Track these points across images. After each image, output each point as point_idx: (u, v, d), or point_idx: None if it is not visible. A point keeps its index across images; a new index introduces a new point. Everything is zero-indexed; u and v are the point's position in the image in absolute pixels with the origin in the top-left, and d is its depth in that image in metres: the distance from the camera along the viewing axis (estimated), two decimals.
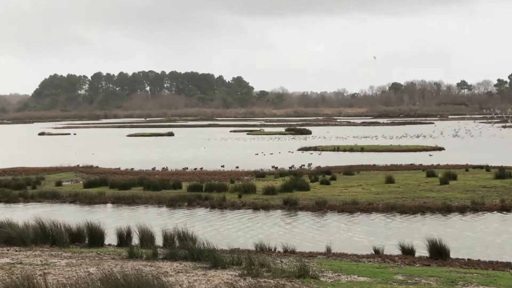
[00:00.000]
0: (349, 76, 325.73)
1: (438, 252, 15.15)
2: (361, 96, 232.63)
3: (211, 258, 12.22)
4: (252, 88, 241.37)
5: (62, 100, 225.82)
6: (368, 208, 23.41)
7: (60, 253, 14.02)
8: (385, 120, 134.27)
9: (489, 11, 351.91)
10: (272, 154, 51.56)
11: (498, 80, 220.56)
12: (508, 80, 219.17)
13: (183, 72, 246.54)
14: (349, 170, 35.02)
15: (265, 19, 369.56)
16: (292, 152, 53.54)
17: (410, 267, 13.54)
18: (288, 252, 15.52)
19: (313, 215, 22.69)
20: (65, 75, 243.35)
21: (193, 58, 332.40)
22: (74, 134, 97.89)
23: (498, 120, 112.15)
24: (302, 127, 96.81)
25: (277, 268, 12.00)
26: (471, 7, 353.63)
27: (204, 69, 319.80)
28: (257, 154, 51.64)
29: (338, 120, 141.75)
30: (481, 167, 35.69)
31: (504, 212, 22.65)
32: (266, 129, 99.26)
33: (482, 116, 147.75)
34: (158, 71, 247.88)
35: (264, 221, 21.84)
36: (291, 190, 27.27)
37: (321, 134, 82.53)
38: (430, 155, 48.38)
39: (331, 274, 11.95)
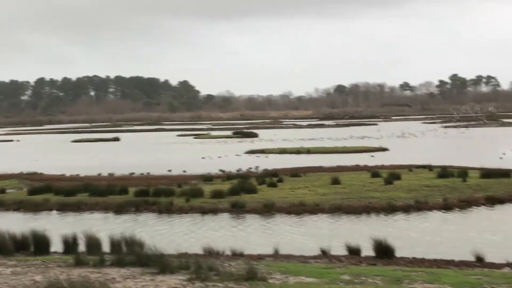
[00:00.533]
0: (295, 79, 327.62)
1: (384, 251, 15.41)
2: (307, 98, 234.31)
3: (159, 263, 12.20)
4: (198, 92, 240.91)
5: (4, 106, 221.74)
6: (315, 209, 23.63)
7: (4, 261, 13.80)
8: (330, 122, 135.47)
9: (428, 13, 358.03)
10: (219, 157, 51.58)
11: (440, 81, 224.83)
12: (449, 81, 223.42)
13: (128, 76, 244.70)
14: (296, 172, 35.27)
15: (210, 23, 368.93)
16: (240, 155, 53.63)
17: (356, 267, 13.74)
18: (236, 255, 15.58)
19: (261, 218, 22.80)
20: (7, 80, 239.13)
21: (138, 62, 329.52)
22: (18, 140, 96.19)
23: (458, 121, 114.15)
24: (249, 130, 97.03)
25: (226, 271, 12.05)
26: (411, 9, 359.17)
27: (150, 74, 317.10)
28: (204, 157, 51.58)
29: (285, 123, 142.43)
30: (424, 166, 36.30)
31: (447, 211, 23.12)
32: (213, 133, 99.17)
33: (424, 116, 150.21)
34: (103, 75, 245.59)
35: (212, 225, 21.86)
36: (238, 193, 27.32)
37: (268, 137, 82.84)
38: (371, 155, 49.03)
39: (279, 276, 12.04)
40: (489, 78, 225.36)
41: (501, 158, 42.23)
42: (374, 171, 33.45)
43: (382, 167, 37.58)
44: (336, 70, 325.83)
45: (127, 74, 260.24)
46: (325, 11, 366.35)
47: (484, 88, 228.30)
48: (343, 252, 16.14)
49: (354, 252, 15.92)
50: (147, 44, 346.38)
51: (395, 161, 41.64)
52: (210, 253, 15.80)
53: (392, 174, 31.30)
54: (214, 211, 24.28)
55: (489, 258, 15.01)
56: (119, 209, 25.27)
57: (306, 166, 39.52)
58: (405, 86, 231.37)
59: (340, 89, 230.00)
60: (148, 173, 38.88)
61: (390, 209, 23.25)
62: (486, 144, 59.58)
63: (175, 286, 10.75)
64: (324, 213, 23.17)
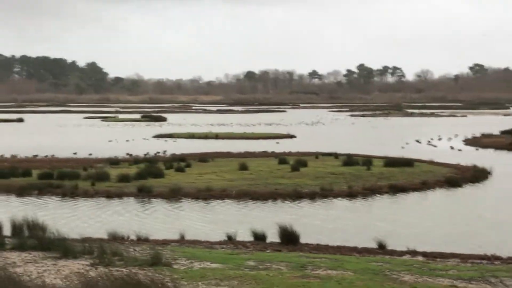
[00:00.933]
0: (205, 64, 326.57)
1: (289, 237, 15.57)
2: (217, 84, 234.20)
3: (62, 248, 11.96)
4: (106, 74, 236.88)
5: None
6: (222, 194, 23.67)
7: None
8: (239, 108, 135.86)
9: (338, 3, 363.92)
10: (127, 141, 50.94)
11: (347, 70, 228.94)
12: (357, 71, 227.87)
13: (35, 56, 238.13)
14: (204, 157, 35.21)
15: (118, 4, 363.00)
16: (147, 139, 53.14)
17: (261, 253, 13.84)
18: (141, 240, 15.43)
19: (167, 203, 22.66)
20: None
21: (45, 43, 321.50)
22: None
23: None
24: (157, 114, 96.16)
25: (130, 256, 11.92)
26: None
27: (57, 54, 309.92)
28: (111, 141, 50.83)
29: (194, 108, 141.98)
30: (330, 154, 36.88)
31: (351, 198, 23.58)
32: (121, 116, 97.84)
33: (332, 104, 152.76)
34: (8, 54, 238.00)
35: (117, 209, 21.57)
36: (145, 178, 27.05)
37: (176, 121, 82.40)
38: (277, 142, 49.41)
39: (184, 261, 12.00)
40: (395, 69, 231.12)
41: (402, 147, 43.33)
42: (282, 158, 33.77)
43: (290, 154, 37.97)
44: (246, 57, 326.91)
45: (33, 54, 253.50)
46: None
47: (390, 79, 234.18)
48: (249, 238, 16.22)
49: (259, 238, 16.02)
50: (54, 24, 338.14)
51: (302, 148, 42.16)
52: (115, 238, 15.59)
53: (299, 161, 31.68)
54: (120, 195, 23.97)
55: (390, 246, 15.39)
56: (22, 192, 24.59)
57: (214, 152, 39.52)
58: (313, 74, 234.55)
59: (250, 75, 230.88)
60: (52, 155, 37.99)
61: (296, 195, 23.53)
62: (391, 133, 61.12)
63: (77, 271, 10.54)
64: (231, 198, 23.23)
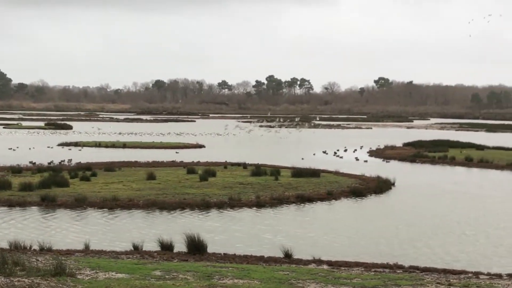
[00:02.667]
0: (112, 71, 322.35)
1: (196, 247, 15.50)
2: (125, 92, 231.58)
3: None
4: (10, 80, 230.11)
5: None
6: (129, 204, 23.34)
7: None
8: (148, 117, 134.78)
9: (250, 14, 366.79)
10: (30, 149, 49.61)
11: (256, 81, 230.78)
12: (266, 82, 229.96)
13: None
14: (110, 167, 34.67)
15: (22, 9, 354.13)
16: (52, 148, 51.92)
17: (168, 263, 13.71)
18: (44, 250, 15.03)
19: (72, 212, 22.17)
20: None
21: None
22: None
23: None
24: (63, 122, 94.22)
25: (32, 266, 11.58)
26: (230, 10, 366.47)
27: None
28: (13, 149, 49.38)
29: (101, 116, 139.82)
30: (239, 164, 37.02)
31: (259, 208, 23.69)
32: (25, 123, 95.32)
33: (241, 115, 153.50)
34: None
35: (19, 219, 20.95)
36: (49, 187, 26.39)
37: (83, 130, 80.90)
38: (176, 152, 48.80)
39: (89, 272, 11.76)
40: (303, 81, 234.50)
41: (302, 159, 43.67)
42: (190, 168, 33.63)
43: (198, 163, 37.89)
44: (155, 65, 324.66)
45: None
46: (143, 5, 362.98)
47: (298, 91, 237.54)
48: (156, 248, 16.06)
49: (166, 248, 15.88)
50: None
51: (211, 158, 42.14)
52: (17, 248, 15.13)
53: (208, 171, 31.65)
54: (22, 204, 23.28)
55: (297, 255, 15.54)
56: None
57: (121, 161, 39.02)
58: (223, 84, 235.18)
59: (159, 84, 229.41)
60: None
61: (204, 205, 23.46)
62: (298, 144, 61.87)
63: None
64: (138, 208, 22.95)
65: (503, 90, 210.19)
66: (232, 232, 19.49)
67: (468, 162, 42.30)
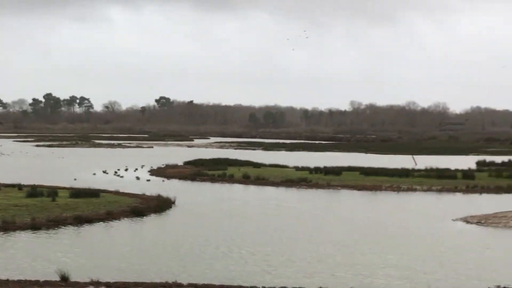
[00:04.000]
0: None
1: None
2: None
3: None
4: None
5: None
6: None
7: None
8: None
9: (23, 28, 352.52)
10: None
11: (33, 99, 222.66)
12: (43, 100, 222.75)
13: None
14: None
15: None
16: None
17: None
18: None
19: None
20: None
21: None
22: None
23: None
24: None
25: None
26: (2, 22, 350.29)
27: None
28: None
29: None
30: (13, 186, 35.40)
31: (35, 230, 22.84)
32: None
33: (17, 134, 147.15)
34: None
35: None
36: None
37: None
38: None
39: None
40: (82, 99, 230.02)
41: (75, 179, 42.81)
42: None
43: None
44: None
45: None
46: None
47: (78, 109, 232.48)
48: None
49: None
50: None
51: None
52: None
53: None
54: None
55: (74, 277, 15.15)
56: None
57: None
58: None
59: None
60: None
61: None
62: (78, 164, 60.39)
63: None
64: None
65: (278, 110, 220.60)
66: (5, 256, 18.58)
67: (245, 180, 43.70)
